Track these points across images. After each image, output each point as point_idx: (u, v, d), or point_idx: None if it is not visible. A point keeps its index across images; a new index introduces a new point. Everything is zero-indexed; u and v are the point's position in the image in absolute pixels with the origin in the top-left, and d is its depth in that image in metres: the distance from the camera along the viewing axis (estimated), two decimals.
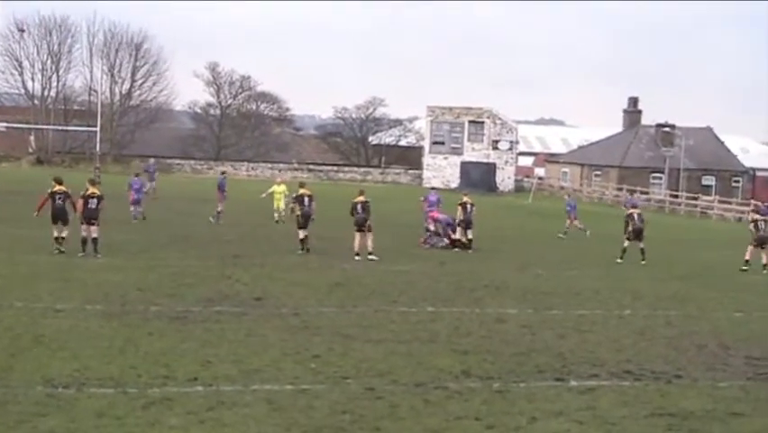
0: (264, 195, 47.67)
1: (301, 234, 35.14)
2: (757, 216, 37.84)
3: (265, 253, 33.77)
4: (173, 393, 14.82)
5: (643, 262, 37.08)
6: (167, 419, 13.59)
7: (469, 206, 39.12)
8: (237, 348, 18.26)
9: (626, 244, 37.84)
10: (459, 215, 39.25)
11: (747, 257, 36.96)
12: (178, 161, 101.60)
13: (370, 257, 33.77)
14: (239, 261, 31.34)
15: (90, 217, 30.57)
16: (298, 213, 35.46)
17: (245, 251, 34.00)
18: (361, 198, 34.78)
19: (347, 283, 27.56)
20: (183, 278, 26.86)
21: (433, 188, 50.91)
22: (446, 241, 39.56)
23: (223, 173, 52.46)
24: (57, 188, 31.21)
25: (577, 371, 17.90)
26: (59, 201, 30.85)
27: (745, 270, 36.36)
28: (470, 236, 38.81)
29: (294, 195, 37.13)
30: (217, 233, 39.94)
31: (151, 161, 65.68)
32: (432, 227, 40.63)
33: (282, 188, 47.08)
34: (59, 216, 30.80)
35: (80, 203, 30.59)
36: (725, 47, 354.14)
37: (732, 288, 31.84)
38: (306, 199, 35.52)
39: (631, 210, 39.06)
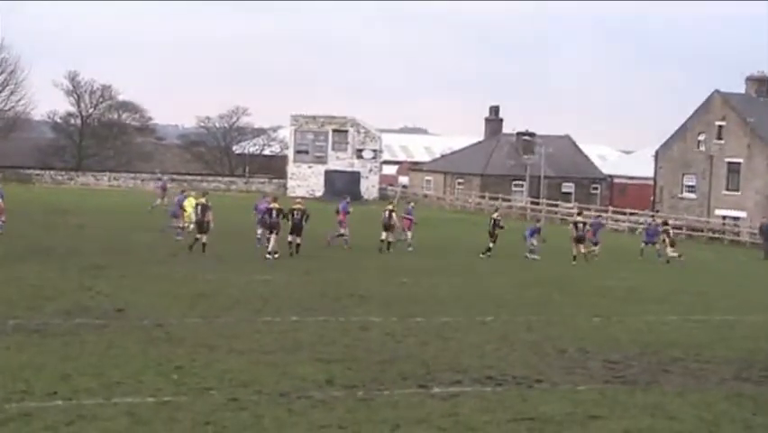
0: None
1: (198, 237, 38.23)
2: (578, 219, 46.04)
3: (128, 264, 33.29)
4: (31, 408, 14.55)
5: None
6: None
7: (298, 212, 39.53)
8: (98, 361, 18.01)
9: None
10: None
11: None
12: (37, 172, 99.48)
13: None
14: (101, 272, 30.84)
15: None
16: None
17: (107, 262, 33.43)
18: (299, 206, 39.13)
19: (211, 294, 27.36)
20: (42, 290, 26.34)
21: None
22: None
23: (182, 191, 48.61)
24: (273, 204, 38.66)
25: (440, 378, 18.10)
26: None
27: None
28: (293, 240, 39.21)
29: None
30: (78, 245, 39.21)
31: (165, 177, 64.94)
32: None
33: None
34: (272, 228, 37.95)
35: None
36: (581, 60, 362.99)
37: (591, 293, 32.54)
38: (199, 208, 39.13)
39: (577, 218, 46.61)
